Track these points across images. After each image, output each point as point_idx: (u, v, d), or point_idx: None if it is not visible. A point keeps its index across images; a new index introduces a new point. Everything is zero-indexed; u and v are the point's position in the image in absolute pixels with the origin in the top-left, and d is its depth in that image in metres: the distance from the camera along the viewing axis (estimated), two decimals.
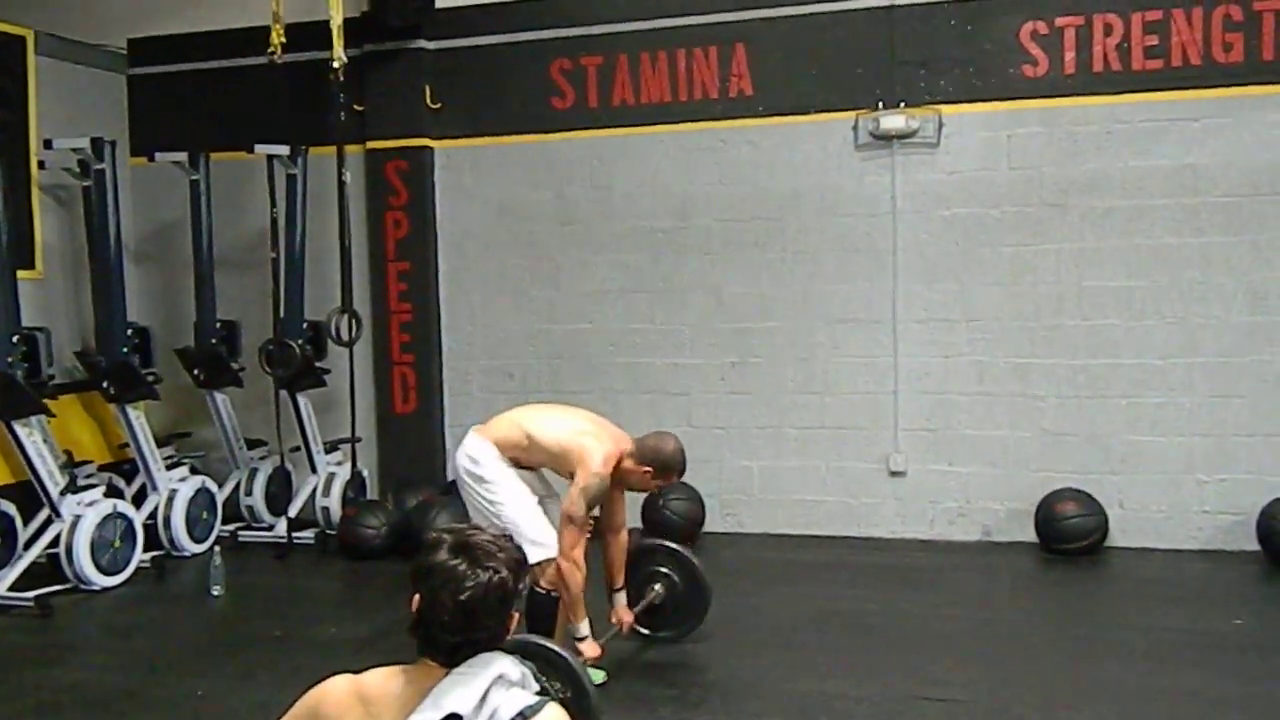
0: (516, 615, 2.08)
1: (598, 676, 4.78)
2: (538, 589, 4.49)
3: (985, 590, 6.16)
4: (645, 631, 5.08)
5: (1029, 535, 6.84)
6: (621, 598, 4.93)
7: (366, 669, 2.08)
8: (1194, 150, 6.61)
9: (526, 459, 4.61)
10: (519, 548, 2.09)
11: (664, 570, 5.10)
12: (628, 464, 4.54)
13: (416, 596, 2.01)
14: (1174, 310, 6.68)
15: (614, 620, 4.89)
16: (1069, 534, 6.64)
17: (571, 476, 4.46)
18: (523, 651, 2.10)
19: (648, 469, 4.54)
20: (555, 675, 3.72)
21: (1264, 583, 6.24)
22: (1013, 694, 4.58)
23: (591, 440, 4.49)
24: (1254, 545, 6.49)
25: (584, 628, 4.42)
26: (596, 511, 4.64)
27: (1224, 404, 6.63)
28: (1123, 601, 6.03)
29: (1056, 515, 6.69)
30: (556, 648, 3.97)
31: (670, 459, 4.55)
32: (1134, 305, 6.74)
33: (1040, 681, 4.72)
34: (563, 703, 2.09)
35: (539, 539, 4.44)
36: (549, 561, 4.42)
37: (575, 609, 4.39)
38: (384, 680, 2.03)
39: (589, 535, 4.52)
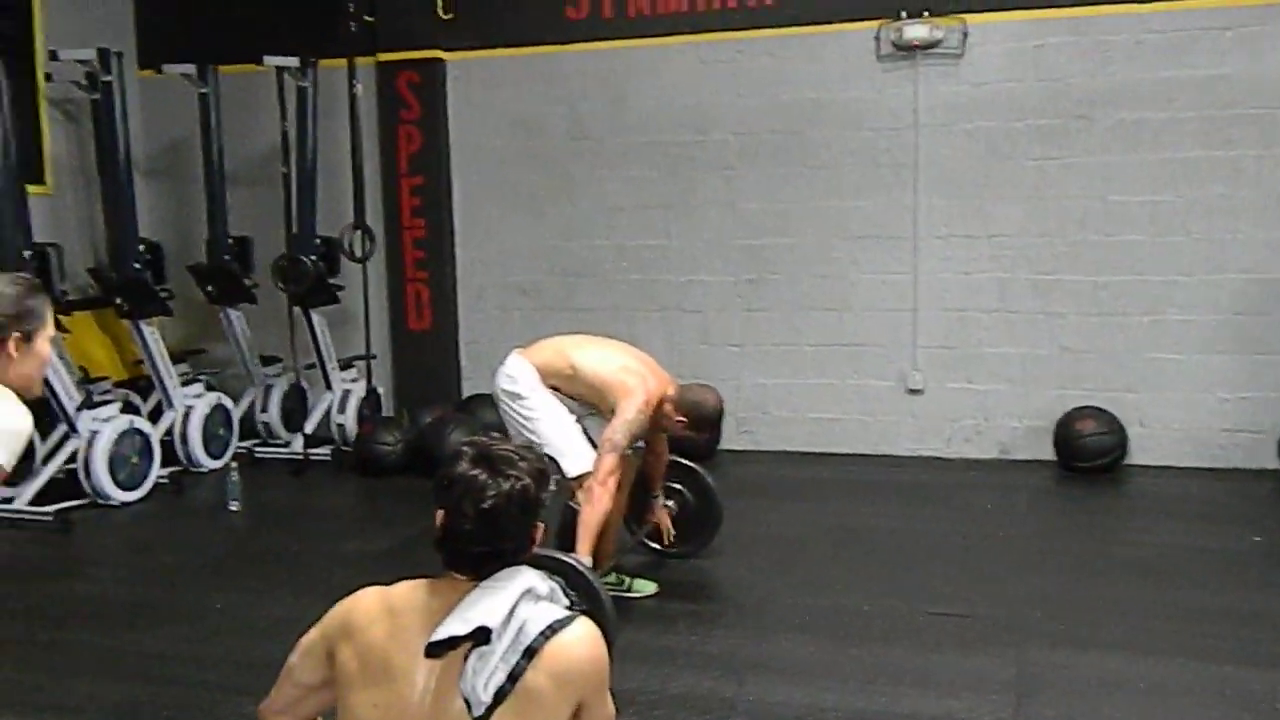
0: (542, 526, 2.05)
1: (649, 587, 4.81)
2: (571, 504, 4.46)
3: (1002, 508, 6.13)
4: (656, 547, 5.08)
5: (1047, 453, 6.81)
6: (656, 504, 4.95)
7: (391, 582, 2.06)
8: (1226, 60, 6.43)
9: (567, 389, 4.54)
10: (541, 457, 2.05)
11: (676, 486, 5.08)
12: (667, 408, 4.49)
13: (440, 511, 1.98)
14: (1200, 226, 6.56)
15: (649, 519, 4.94)
16: (1087, 452, 6.61)
17: (611, 412, 4.39)
18: (537, 565, 2.07)
19: (682, 419, 4.50)
20: (571, 588, 3.70)
21: None
22: (1027, 610, 4.57)
23: (635, 379, 4.43)
24: (1274, 464, 6.45)
25: (586, 561, 4.22)
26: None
27: (1249, 321, 6.54)
28: (1140, 519, 6.03)
29: (1075, 433, 6.65)
30: (572, 560, 3.95)
31: (708, 415, 4.53)
32: (1160, 220, 6.62)
33: (1055, 598, 4.71)
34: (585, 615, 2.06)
35: (577, 452, 4.42)
36: (587, 476, 4.35)
37: (586, 537, 4.24)
38: (411, 592, 2.01)
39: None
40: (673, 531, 4.97)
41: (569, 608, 2.00)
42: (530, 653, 1.88)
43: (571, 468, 4.40)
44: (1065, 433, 6.69)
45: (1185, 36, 6.48)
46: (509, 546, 1.98)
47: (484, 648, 1.89)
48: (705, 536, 5.15)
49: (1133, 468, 6.70)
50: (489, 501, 1.93)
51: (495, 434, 2.07)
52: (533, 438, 4.42)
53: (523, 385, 4.53)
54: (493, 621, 1.89)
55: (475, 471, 1.95)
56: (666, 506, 5.01)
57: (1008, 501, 6.24)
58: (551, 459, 4.41)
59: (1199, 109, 6.49)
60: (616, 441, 4.32)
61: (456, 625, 1.89)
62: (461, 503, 1.93)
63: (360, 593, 2.06)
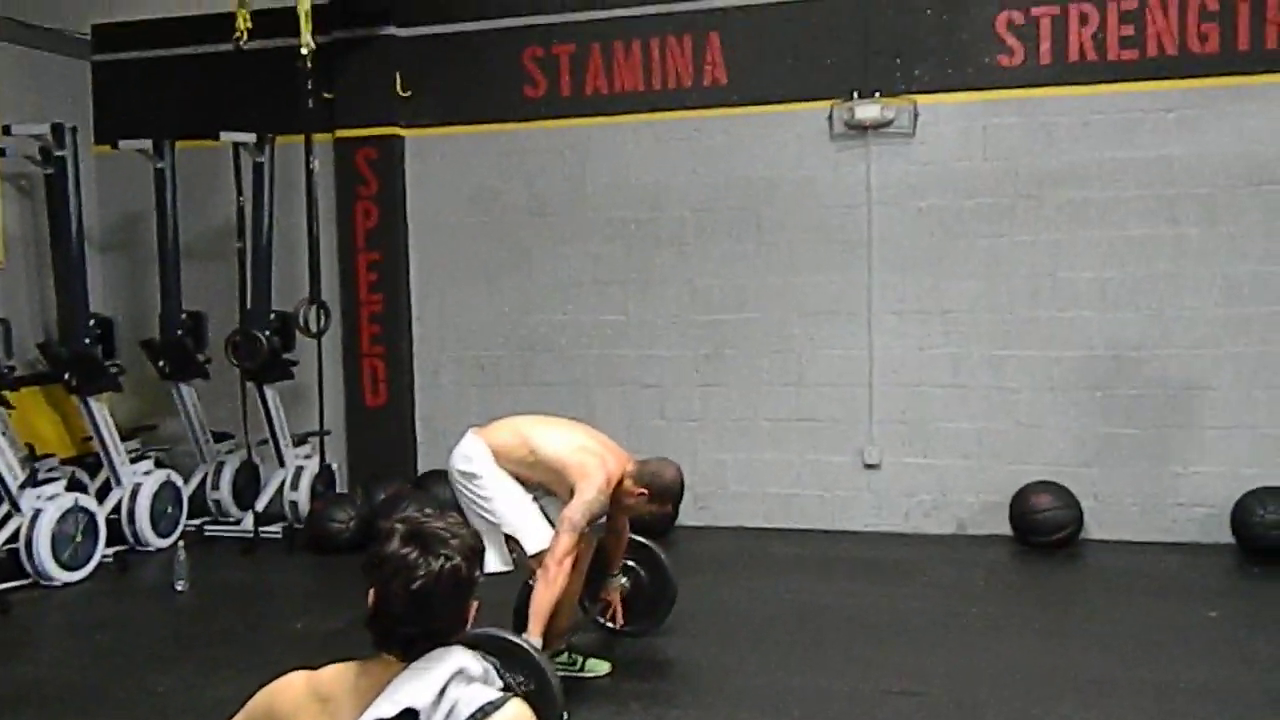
0: (476, 604, 2.00)
1: (603, 667, 4.73)
2: (530, 581, 4.39)
3: (960, 583, 6.12)
4: (610, 625, 5.01)
5: (1004, 528, 6.81)
6: (613, 583, 4.89)
7: (326, 664, 2.00)
8: (1170, 141, 6.58)
9: (526, 475, 4.51)
10: (476, 534, 2.00)
11: (630, 563, 5.02)
12: (627, 484, 4.48)
13: (372, 589, 1.93)
14: (1148, 302, 6.66)
15: (604, 597, 4.88)
16: (1044, 527, 6.61)
17: (569, 493, 4.36)
18: (484, 645, 2.01)
19: (643, 491, 4.48)
20: (519, 668, 3.64)
21: (1238, 575, 6.22)
22: (986, 687, 4.54)
23: (594, 460, 4.41)
24: (1228, 538, 6.47)
25: (536, 642, 4.16)
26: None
27: (1198, 396, 6.62)
28: (1097, 594, 6.02)
29: (1031, 508, 6.66)
30: (519, 639, 3.88)
31: (668, 486, 4.51)
32: (1109, 297, 6.71)
33: (1014, 674, 4.69)
34: (526, 697, 2.00)
35: (536, 530, 4.38)
36: (545, 554, 4.30)
37: (538, 617, 4.20)
38: (339, 676, 1.95)
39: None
40: (622, 618, 4.92)
41: (505, 689, 1.94)
42: None
43: (531, 546, 4.36)
44: (1021, 508, 6.71)
45: (1129, 118, 6.64)
46: (440, 627, 1.93)
47: None
48: (659, 614, 5.09)
49: (1089, 542, 6.71)
50: (419, 582, 1.87)
51: (430, 510, 2.02)
52: (489, 518, 4.39)
53: (478, 465, 4.49)
54: (420, 703, 1.83)
55: (406, 550, 1.90)
56: (620, 585, 4.95)
57: (965, 577, 6.23)
58: (510, 538, 4.38)
59: (1144, 188, 6.63)
60: (575, 521, 4.28)
61: (385, 708, 1.83)
62: (391, 582, 1.88)
63: (285, 678, 2.00)
